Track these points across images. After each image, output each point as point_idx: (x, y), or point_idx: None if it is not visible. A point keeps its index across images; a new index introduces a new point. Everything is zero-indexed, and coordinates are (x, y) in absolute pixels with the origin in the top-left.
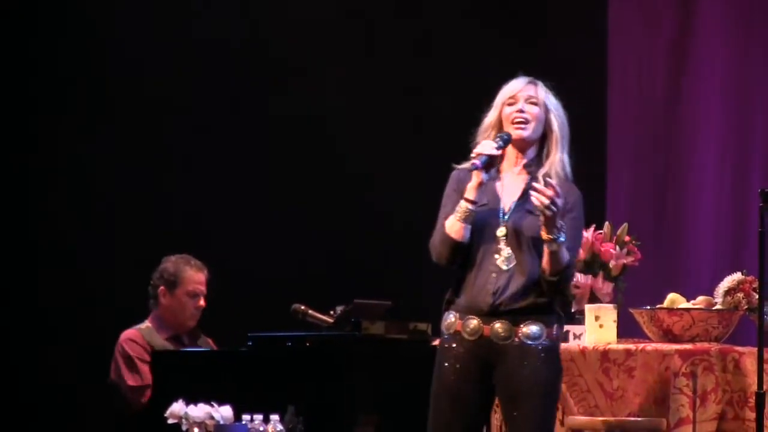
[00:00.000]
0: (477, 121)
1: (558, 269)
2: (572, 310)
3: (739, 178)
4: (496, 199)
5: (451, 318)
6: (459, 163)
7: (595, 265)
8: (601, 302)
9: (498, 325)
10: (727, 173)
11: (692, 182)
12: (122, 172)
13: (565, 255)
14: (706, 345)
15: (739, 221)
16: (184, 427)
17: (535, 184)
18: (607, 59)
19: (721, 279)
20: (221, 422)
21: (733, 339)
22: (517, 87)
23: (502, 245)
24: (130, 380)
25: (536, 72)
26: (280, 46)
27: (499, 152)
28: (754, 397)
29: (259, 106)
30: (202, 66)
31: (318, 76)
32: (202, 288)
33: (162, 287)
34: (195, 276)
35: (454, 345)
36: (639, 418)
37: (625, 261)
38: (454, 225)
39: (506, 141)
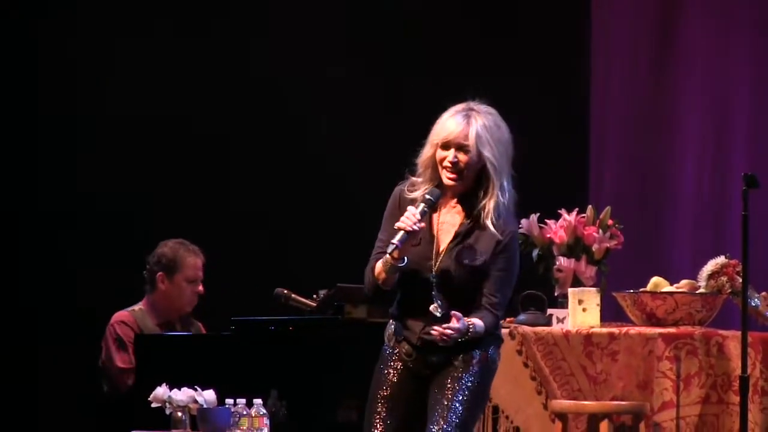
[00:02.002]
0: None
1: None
2: (555, 294)
3: (721, 161)
4: (431, 237)
5: (391, 329)
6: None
7: (578, 248)
8: (584, 286)
9: (432, 355)
10: (709, 157)
11: (675, 165)
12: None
13: (482, 329)
14: (689, 329)
15: (722, 205)
16: (167, 411)
17: (434, 328)
18: (590, 46)
19: (704, 263)
20: (204, 406)
21: (716, 323)
22: (450, 132)
23: (435, 291)
24: (119, 362)
25: (520, 56)
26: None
27: (422, 225)
28: (737, 381)
29: (244, 95)
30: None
31: (304, 75)
32: (201, 274)
33: (161, 273)
34: (194, 262)
35: (393, 357)
36: (622, 402)
37: (608, 245)
38: (381, 273)
39: (432, 204)
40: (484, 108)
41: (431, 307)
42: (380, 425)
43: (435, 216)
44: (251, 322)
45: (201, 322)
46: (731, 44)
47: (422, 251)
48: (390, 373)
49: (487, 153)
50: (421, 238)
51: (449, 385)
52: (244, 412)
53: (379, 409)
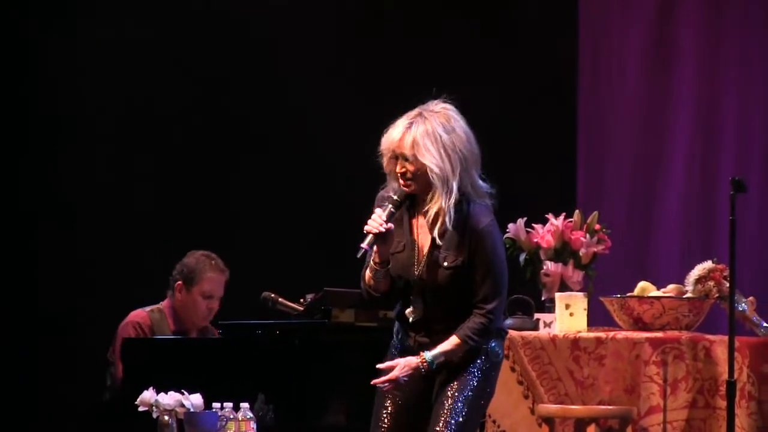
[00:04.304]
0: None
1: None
2: (542, 298)
3: (709, 166)
4: (413, 243)
5: (396, 327)
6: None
7: (565, 253)
8: (571, 290)
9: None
10: (697, 161)
11: (663, 170)
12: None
13: (455, 347)
14: (676, 333)
15: (709, 209)
16: (154, 415)
17: (378, 381)
18: (578, 44)
19: (691, 267)
20: (191, 410)
21: (703, 327)
22: (391, 143)
23: (414, 296)
24: (121, 373)
25: (508, 60)
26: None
27: (389, 226)
28: (725, 386)
29: (239, 96)
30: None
31: (299, 81)
32: (219, 290)
33: (180, 282)
34: (214, 277)
35: (399, 353)
36: (609, 407)
37: (595, 249)
38: (369, 280)
39: (398, 204)
40: (437, 109)
41: (407, 311)
42: (387, 420)
43: (415, 221)
44: (238, 325)
45: (216, 330)
46: (721, 46)
47: (406, 257)
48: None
49: (426, 160)
50: (405, 244)
51: (453, 384)
52: (231, 416)
53: (386, 404)
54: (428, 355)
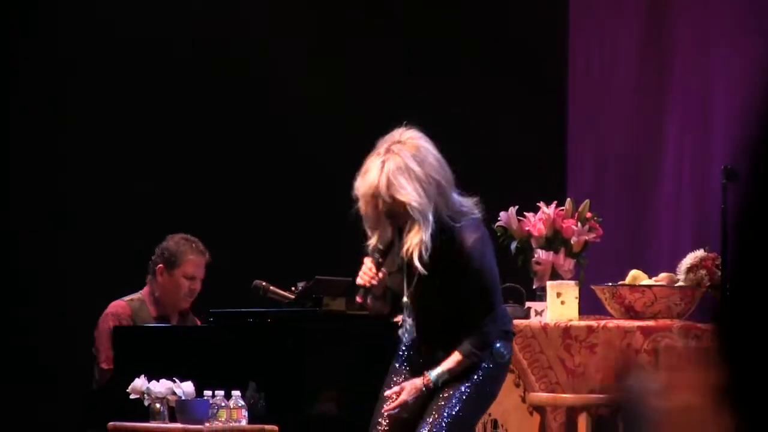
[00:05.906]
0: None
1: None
2: (534, 287)
3: (701, 154)
4: (404, 263)
5: (401, 331)
6: None
7: (556, 241)
8: (562, 279)
9: (438, 352)
10: (688, 150)
11: (655, 158)
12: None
13: (457, 364)
14: (668, 322)
15: (701, 198)
16: (146, 403)
17: (387, 408)
18: (568, 38)
19: (683, 256)
20: (183, 398)
21: (695, 316)
22: (367, 187)
23: (405, 315)
24: (104, 363)
25: (498, 50)
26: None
27: (380, 276)
28: None
29: (232, 94)
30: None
31: (289, 74)
32: (200, 272)
33: (161, 265)
34: (196, 259)
35: (407, 350)
36: (601, 395)
37: (586, 237)
38: (371, 307)
39: (385, 253)
40: (404, 139)
41: (401, 331)
42: (386, 420)
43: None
44: (229, 314)
45: (198, 318)
46: (711, 42)
47: (400, 278)
48: (401, 370)
49: (401, 197)
50: (399, 264)
51: (453, 381)
52: (223, 404)
53: (387, 405)
54: (433, 374)
